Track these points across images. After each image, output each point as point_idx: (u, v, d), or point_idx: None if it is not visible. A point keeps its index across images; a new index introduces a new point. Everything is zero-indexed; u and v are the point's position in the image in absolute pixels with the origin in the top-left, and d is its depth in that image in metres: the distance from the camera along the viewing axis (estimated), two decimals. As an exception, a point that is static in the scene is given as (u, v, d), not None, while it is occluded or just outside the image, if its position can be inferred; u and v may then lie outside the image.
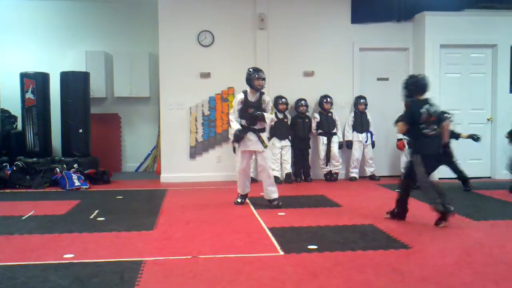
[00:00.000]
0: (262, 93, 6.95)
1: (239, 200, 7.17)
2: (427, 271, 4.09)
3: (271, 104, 7.26)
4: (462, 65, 9.78)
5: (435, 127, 5.76)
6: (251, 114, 6.80)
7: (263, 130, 6.98)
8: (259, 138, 6.91)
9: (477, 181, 8.95)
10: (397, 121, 6.09)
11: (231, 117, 7.00)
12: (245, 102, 6.86)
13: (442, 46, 9.59)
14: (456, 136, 8.09)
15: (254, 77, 6.78)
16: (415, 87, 5.84)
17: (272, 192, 6.98)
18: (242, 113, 6.90)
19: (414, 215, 6.39)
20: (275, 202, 6.93)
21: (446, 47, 9.62)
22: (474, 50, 9.77)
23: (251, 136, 6.89)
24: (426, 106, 5.73)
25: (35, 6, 10.89)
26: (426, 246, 4.85)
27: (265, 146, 6.96)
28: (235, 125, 6.86)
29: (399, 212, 6.04)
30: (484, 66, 9.82)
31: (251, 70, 6.91)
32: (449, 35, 9.56)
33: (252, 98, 6.89)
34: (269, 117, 7.00)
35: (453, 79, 9.74)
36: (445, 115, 6.44)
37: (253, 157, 7.42)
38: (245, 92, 6.93)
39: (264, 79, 6.85)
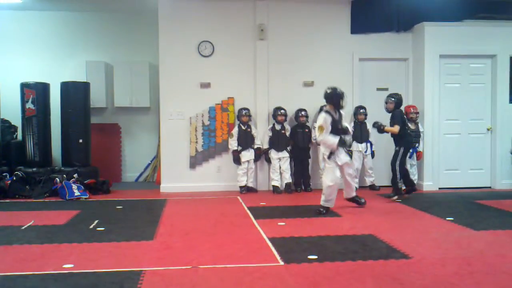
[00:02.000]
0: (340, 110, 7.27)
1: (323, 211, 7.20)
2: (427, 280, 4.08)
3: None
4: (461, 75, 9.80)
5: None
6: (342, 139, 7.10)
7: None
8: (346, 151, 7.30)
9: (477, 191, 8.95)
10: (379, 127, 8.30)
11: (325, 137, 7.03)
12: (333, 122, 7.06)
13: (442, 56, 9.62)
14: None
15: (342, 97, 7.10)
16: (400, 101, 8.34)
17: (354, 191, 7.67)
18: (332, 131, 7.09)
19: (414, 224, 6.40)
20: (362, 200, 7.67)
21: (445, 57, 9.65)
22: (474, 61, 9.80)
23: (341, 149, 7.20)
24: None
25: (35, 16, 10.93)
26: (427, 256, 4.83)
27: (351, 157, 7.55)
28: (334, 138, 7.05)
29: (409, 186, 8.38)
30: (483, 76, 9.84)
31: (337, 91, 7.13)
32: (448, 46, 9.59)
33: (335, 115, 7.15)
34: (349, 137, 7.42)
35: (452, 89, 9.76)
36: None
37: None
38: (328, 113, 7.09)
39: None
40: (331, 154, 7.13)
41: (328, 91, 7.17)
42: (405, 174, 8.33)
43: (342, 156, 7.18)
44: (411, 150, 9.10)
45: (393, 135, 8.31)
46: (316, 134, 7.27)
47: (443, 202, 8.18)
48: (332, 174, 7.14)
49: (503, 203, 7.92)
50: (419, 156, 9.45)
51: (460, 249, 5.14)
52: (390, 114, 8.34)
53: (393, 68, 10.11)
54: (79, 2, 10.27)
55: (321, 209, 7.15)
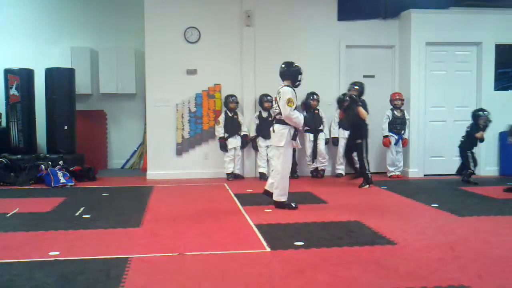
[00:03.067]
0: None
1: (295, 205, 6.59)
2: (412, 266, 4.12)
3: None
4: (447, 63, 9.86)
5: None
6: (306, 116, 7.04)
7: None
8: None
9: (461, 177, 9.03)
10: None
11: (295, 112, 6.35)
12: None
13: (428, 44, 9.65)
14: None
15: (299, 73, 6.57)
16: (363, 89, 8.66)
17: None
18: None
19: (400, 211, 6.46)
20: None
21: (431, 44, 9.69)
22: (460, 48, 9.85)
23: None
24: None
25: (19, 1, 10.78)
26: (412, 242, 4.88)
27: None
28: (301, 116, 6.50)
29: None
30: (469, 64, 9.90)
31: (292, 65, 6.60)
32: (434, 33, 9.62)
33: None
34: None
35: (438, 77, 9.81)
36: None
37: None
38: (291, 87, 6.51)
39: None
40: (296, 135, 6.51)
41: (283, 66, 6.62)
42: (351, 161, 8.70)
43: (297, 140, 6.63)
44: (396, 137, 9.21)
45: (353, 126, 8.51)
46: (282, 109, 6.35)
47: (428, 189, 8.26)
48: (289, 161, 6.64)
49: (487, 190, 8.00)
50: (405, 143, 9.51)
51: (444, 235, 5.19)
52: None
53: (379, 55, 10.13)
54: (63, -13, 10.15)
55: (291, 205, 6.56)
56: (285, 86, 6.51)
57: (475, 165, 8.94)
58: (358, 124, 8.32)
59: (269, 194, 6.69)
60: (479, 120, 8.80)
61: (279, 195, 6.54)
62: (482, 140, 8.92)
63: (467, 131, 8.93)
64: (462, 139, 8.97)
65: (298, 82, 6.62)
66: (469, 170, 8.83)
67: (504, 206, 6.79)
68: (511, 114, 9.83)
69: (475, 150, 9.01)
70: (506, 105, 9.80)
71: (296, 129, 6.53)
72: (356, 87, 8.51)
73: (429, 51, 9.73)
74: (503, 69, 10.04)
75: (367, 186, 8.37)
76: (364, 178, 8.41)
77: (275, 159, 6.72)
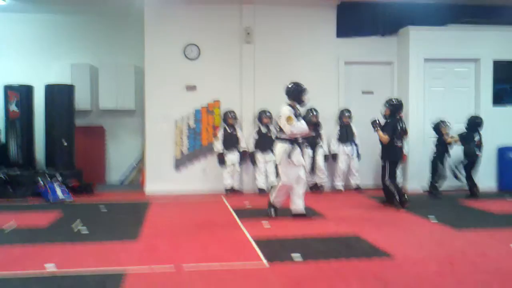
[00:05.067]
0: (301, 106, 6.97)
1: (275, 212, 6.97)
2: (410, 279, 4.10)
3: None
4: (446, 79, 9.91)
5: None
6: (307, 118, 6.91)
7: (317, 124, 7.21)
8: (302, 151, 6.90)
9: (460, 192, 9.03)
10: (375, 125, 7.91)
11: (295, 125, 6.60)
12: (296, 115, 6.74)
13: (426, 60, 9.71)
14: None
15: (304, 93, 6.81)
16: (396, 107, 7.83)
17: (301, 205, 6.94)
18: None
19: (398, 225, 6.44)
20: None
21: (430, 61, 9.74)
22: (458, 64, 9.91)
23: (298, 150, 6.80)
24: (400, 123, 7.78)
25: (20, 18, 10.85)
26: (409, 255, 4.86)
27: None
28: (301, 123, 6.70)
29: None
30: (467, 80, 9.95)
31: (296, 85, 6.86)
32: (433, 50, 9.68)
33: (296, 111, 6.80)
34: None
35: (437, 93, 9.85)
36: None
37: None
38: (291, 106, 6.78)
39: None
40: (290, 153, 6.67)
41: (289, 86, 6.89)
42: (398, 187, 7.84)
43: (298, 157, 6.76)
44: None
45: (381, 146, 7.96)
46: (284, 129, 6.65)
47: (427, 203, 8.25)
48: (286, 177, 6.77)
49: (485, 204, 7.99)
50: (404, 159, 9.50)
51: (442, 248, 5.17)
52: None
53: (378, 71, 10.17)
54: (64, 4, 10.24)
55: (271, 209, 6.95)
56: (285, 105, 6.78)
57: (440, 178, 9.05)
58: (383, 147, 7.93)
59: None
60: (441, 129, 8.99)
61: (273, 197, 6.96)
62: (450, 143, 9.03)
63: (436, 145, 9.10)
64: (434, 155, 9.13)
65: (302, 102, 6.88)
66: (431, 181, 9.05)
67: (501, 219, 6.81)
68: (509, 130, 9.83)
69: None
70: (504, 121, 9.84)
71: (298, 143, 6.77)
72: (387, 105, 7.91)
73: (428, 68, 9.78)
74: (501, 85, 10.07)
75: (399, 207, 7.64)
76: (390, 201, 7.83)
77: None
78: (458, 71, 9.96)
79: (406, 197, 7.71)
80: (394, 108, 7.83)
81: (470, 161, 8.90)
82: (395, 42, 10.08)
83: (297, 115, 6.73)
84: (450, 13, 9.79)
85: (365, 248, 5.15)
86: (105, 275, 4.23)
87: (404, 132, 7.96)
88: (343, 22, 9.97)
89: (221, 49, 9.73)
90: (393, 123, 7.77)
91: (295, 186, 6.86)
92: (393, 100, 8.05)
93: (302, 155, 6.91)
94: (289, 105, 6.79)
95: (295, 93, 6.82)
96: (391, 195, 7.78)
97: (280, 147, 6.75)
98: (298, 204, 6.89)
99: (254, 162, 9.50)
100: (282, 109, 6.75)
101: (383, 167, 7.92)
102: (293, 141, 6.73)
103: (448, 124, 9.04)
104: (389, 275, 4.24)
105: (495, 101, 9.93)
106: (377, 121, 7.98)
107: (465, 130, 9.04)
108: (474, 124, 9.01)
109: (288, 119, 6.60)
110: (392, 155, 7.83)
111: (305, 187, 7.03)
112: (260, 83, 9.69)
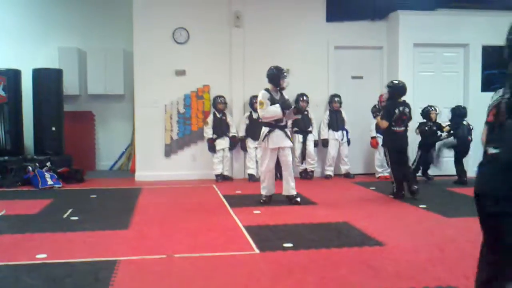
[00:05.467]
0: (282, 91, 6.94)
1: (265, 200, 7.00)
2: (400, 267, 4.14)
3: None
4: (435, 64, 9.93)
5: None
6: (283, 101, 6.75)
7: (286, 126, 7.03)
8: (286, 134, 6.92)
9: (450, 179, 9.09)
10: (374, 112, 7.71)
11: (266, 109, 6.71)
12: (271, 100, 6.79)
13: (416, 45, 9.71)
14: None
15: (281, 77, 6.80)
16: (397, 90, 7.27)
17: (293, 188, 7.01)
18: None
19: (388, 212, 6.48)
20: (297, 199, 7.00)
21: (419, 46, 9.74)
22: (447, 49, 9.92)
23: (278, 132, 6.83)
24: (400, 107, 7.15)
25: (6, 1, 10.68)
26: (400, 243, 4.90)
27: (292, 142, 7.05)
28: (275, 107, 6.70)
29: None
30: (456, 65, 9.97)
31: (274, 69, 6.88)
32: (422, 34, 9.67)
33: (276, 96, 6.85)
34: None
35: (426, 78, 9.87)
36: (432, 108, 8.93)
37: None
38: (267, 90, 6.86)
39: (287, 78, 6.93)
40: (265, 136, 6.81)
41: (269, 69, 6.92)
42: (397, 179, 7.32)
43: (276, 139, 6.80)
44: None
45: (381, 131, 7.81)
46: (258, 112, 6.93)
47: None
48: (266, 161, 6.91)
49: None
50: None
51: (432, 236, 5.22)
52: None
53: (368, 56, 10.16)
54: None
55: (262, 199, 7.00)
56: (263, 90, 6.86)
57: (419, 168, 9.03)
58: (382, 133, 7.72)
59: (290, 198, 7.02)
60: (430, 115, 8.98)
61: (261, 188, 7.01)
62: (449, 132, 8.98)
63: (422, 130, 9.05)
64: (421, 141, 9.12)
65: (280, 86, 6.85)
66: (424, 168, 9.10)
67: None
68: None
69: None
70: (493, 106, 9.87)
71: (280, 127, 6.82)
72: (387, 89, 7.52)
73: (417, 52, 9.78)
74: (490, 70, 10.11)
75: (391, 196, 7.45)
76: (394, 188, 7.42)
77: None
78: (447, 56, 9.97)
79: (403, 193, 7.26)
80: (393, 90, 7.32)
81: (462, 146, 8.84)
82: (385, 26, 10.06)
83: (274, 99, 6.76)
84: (439, -3, 9.79)
85: (356, 236, 5.19)
86: (97, 264, 4.22)
87: (403, 115, 7.26)
88: (332, 6, 9.91)
89: (211, 33, 9.65)
90: (389, 107, 7.30)
91: (282, 170, 7.00)
92: (393, 81, 7.61)
93: (290, 139, 6.96)
94: (266, 89, 6.84)
95: (273, 77, 6.84)
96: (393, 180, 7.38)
97: (261, 132, 6.91)
98: (286, 187, 6.99)
99: (244, 148, 9.49)
100: (259, 93, 6.89)
101: (384, 153, 7.65)
102: (273, 125, 6.79)
103: (437, 109, 9.05)
104: (380, 262, 4.27)
105: (484, 86, 9.96)
106: (376, 106, 7.93)
107: (448, 122, 9.05)
108: (461, 114, 9.00)
109: (260, 103, 6.77)
110: (388, 141, 7.41)
111: (290, 169, 7.00)
112: (250, 67, 9.63)
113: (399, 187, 7.27)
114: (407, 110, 7.29)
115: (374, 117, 7.90)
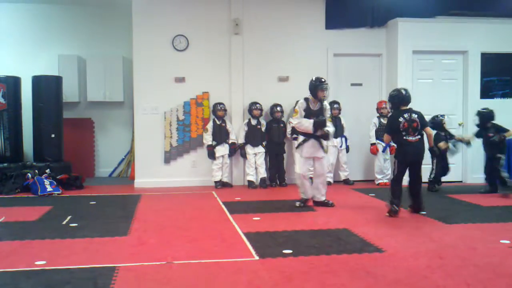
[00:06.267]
0: (322, 102, 7.11)
1: (299, 204, 7.23)
2: (400, 274, 4.13)
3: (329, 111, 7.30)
4: (434, 71, 9.95)
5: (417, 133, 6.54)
6: (318, 119, 6.93)
7: (324, 136, 7.09)
8: (321, 144, 7.07)
9: (449, 185, 9.09)
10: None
11: (300, 120, 7.03)
12: (307, 110, 7.02)
13: (415, 52, 9.73)
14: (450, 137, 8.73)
15: (319, 88, 6.96)
16: (397, 99, 6.69)
17: (322, 195, 7.28)
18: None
19: (388, 219, 6.47)
20: (329, 202, 7.26)
21: (418, 53, 9.77)
22: (446, 56, 9.95)
23: (313, 142, 7.04)
24: (405, 115, 6.52)
25: (6, 9, 10.72)
26: (400, 250, 4.89)
27: (326, 152, 7.19)
28: (308, 122, 6.97)
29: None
30: (455, 72, 10.00)
31: (314, 80, 7.05)
32: (421, 41, 9.71)
33: (314, 107, 7.05)
34: (332, 128, 7.15)
35: (425, 85, 9.89)
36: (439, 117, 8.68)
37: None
38: (307, 100, 7.07)
39: (327, 89, 7.05)
40: (299, 145, 7.14)
41: (310, 81, 7.12)
42: (395, 193, 6.61)
43: (310, 149, 7.08)
44: (384, 145, 9.19)
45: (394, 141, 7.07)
46: (292, 121, 7.25)
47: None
48: (300, 165, 7.20)
49: (474, 197, 8.05)
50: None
51: (432, 242, 5.21)
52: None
53: (367, 63, 10.19)
54: (51, -6, 10.11)
55: (297, 203, 7.24)
56: (303, 99, 7.17)
57: (438, 175, 8.78)
58: (396, 142, 6.88)
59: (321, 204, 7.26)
60: (443, 124, 8.77)
61: (300, 192, 7.28)
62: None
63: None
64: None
65: (317, 98, 7.04)
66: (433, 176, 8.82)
67: (491, 213, 6.85)
68: (497, 122, 9.88)
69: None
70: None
71: (313, 136, 7.02)
72: (388, 100, 6.97)
73: (416, 60, 9.81)
74: (489, 77, 10.13)
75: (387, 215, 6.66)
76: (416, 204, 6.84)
77: None
78: (446, 63, 10.00)
79: (397, 208, 6.52)
80: (393, 100, 6.72)
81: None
82: (384, 34, 10.09)
83: (310, 110, 7.02)
84: (438, 5, 9.81)
85: (356, 242, 5.17)
86: (96, 270, 4.21)
87: (413, 123, 6.47)
88: (332, 13, 9.96)
89: (210, 40, 9.68)
90: (390, 118, 6.78)
91: (314, 177, 7.28)
92: (392, 92, 6.91)
93: (323, 149, 7.13)
94: (306, 98, 7.10)
95: (312, 88, 7.05)
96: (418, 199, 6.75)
97: (297, 138, 7.30)
98: (316, 192, 7.24)
99: (244, 155, 9.49)
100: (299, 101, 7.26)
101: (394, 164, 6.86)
102: (309, 134, 7.03)
103: (445, 117, 8.88)
104: (379, 269, 4.26)
105: (483, 93, 9.98)
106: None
107: (477, 128, 8.68)
108: (488, 117, 8.47)
109: (295, 111, 7.17)
110: (400, 153, 6.66)
111: (322, 178, 7.25)
112: (249, 74, 9.67)
113: (394, 202, 6.54)
114: (415, 115, 6.51)
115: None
